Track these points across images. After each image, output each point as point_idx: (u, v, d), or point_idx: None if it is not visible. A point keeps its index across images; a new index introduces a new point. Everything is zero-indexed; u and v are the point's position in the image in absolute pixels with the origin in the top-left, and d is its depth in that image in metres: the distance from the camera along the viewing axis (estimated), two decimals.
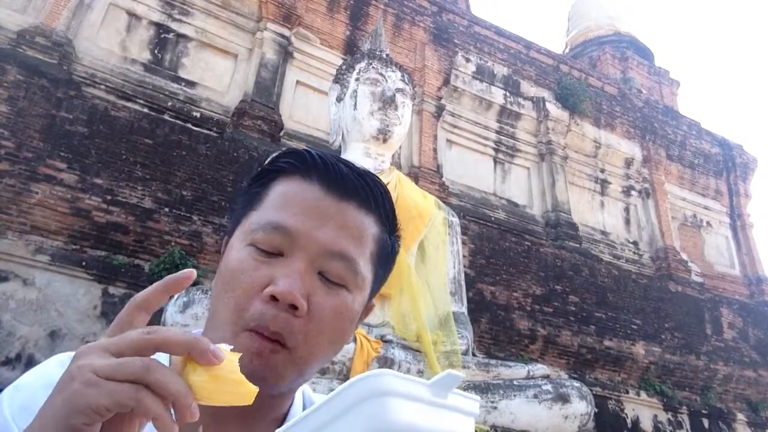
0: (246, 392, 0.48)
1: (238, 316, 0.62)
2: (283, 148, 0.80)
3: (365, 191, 0.68)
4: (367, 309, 0.74)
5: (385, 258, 0.72)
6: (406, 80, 3.98)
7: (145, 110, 6.06)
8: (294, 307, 0.60)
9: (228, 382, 0.47)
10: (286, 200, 0.66)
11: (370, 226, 0.68)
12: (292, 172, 0.68)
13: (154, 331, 0.46)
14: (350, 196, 0.67)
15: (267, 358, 0.60)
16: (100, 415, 0.43)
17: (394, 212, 0.73)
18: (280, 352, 0.61)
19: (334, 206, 0.66)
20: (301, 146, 4.89)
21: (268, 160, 0.73)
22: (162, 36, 6.93)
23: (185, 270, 0.50)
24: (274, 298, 0.60)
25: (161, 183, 5.22)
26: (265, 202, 0.68)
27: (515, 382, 3.26)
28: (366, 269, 0.68)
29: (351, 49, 7.69)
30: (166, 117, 6.17)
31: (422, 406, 0.48)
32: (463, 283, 3.92)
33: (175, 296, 3.13)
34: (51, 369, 0.61)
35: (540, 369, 3.48)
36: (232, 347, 0.50)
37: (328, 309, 0.63)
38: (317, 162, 0.67)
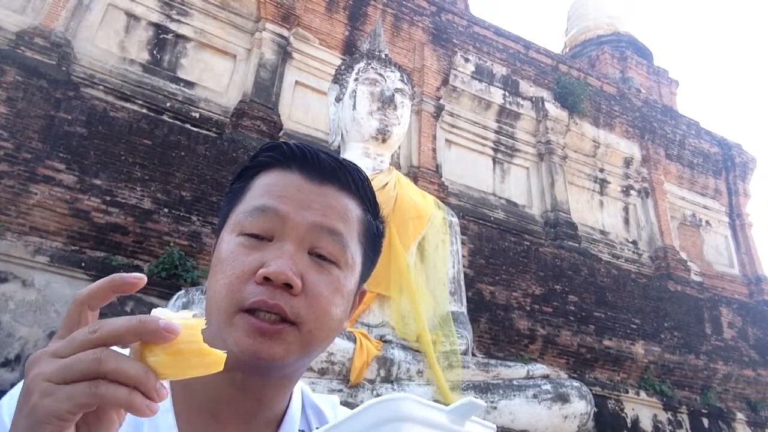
0: (213, 361, 0.46)
1: (231, 299, 0.61)
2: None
3: (345, 175, 0.70)
4: (361, 294, 0.75)
5: (372, 239, 0.73)
6: (405, 80, 3.98)
7: (144, 111, 6.06)
8: (288, 286, 0.61)
9: (191, 354, 0.45)
10: (268, 188, 0.68)
11: (353, 207, 0.70)
12: (273, 165, 0.70)
13: (100, 327, 0.44)
14: (330, 179, 0.69)
15: (271, 332, 0.60)
16: (66, 421, 0.42)
17: (374, 196, 0.74)
18: (284, 324, 0.61)
19: (316, 190, 0.67)
20: None
21: (251, 156, 0.74)
22: (161, 36, 6.93)
23: (136, 274, 0.47)
24: (267, 280, 0.60)
25: (160, 184, 5.22)
26: (248, 195, 0.69)
27: (515, 382, 3.26)
28: (354, 247, 0.69)
29: (350, 50, 7.69)
30: (164, 117, 6.16)
31: None
32: (462, 283, 3.91)
33: (175, 297, 3.12)
34: None
35: (539, 369, 3.48)
36: (194, 313, 0.48)
37: (323, 285, 0.64)
38: (295, 152, 0.69)
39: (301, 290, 0.62)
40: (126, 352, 0.45)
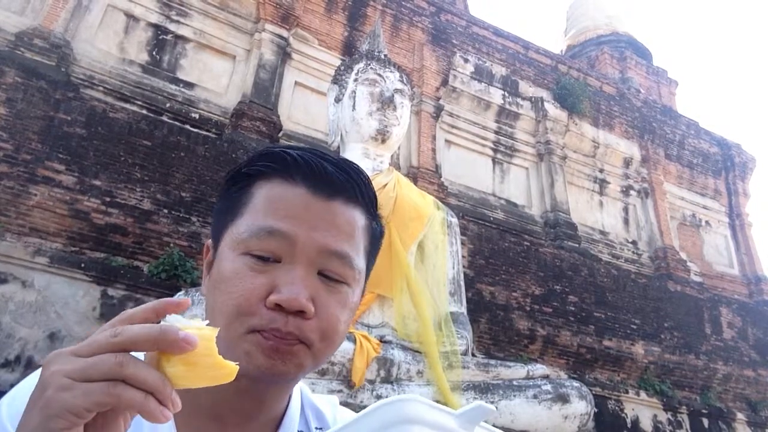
0: (226, 373, 0.47)
1: (243, 321, 0.61)
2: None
3: (351, 185, 0.68)
4: (362, 296, 0.76)
5: (376, 243, 0.74)
6: (405, 81, 3.98)
7: (144, 112, 6.06)
8: (301, 312, 0.61)
9: (205, 367, 0.46)
10: (273, 204, 0.66)
11: (359, 219, 0.69)
12: (273, 175, 0.67)
13: (121, 332, 0.45)
14: (338, 193, 0.67)
15: (285, 351, 0.61)
16: (79, 417, 0.42)
17: (375, 196, 0.74)
18: (297, 344, 0.62)
19: (324, 206, 0.66)
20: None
21: (245, 162, 0.71)
22: (160, 37, 6.93)
23: (183, 298, 0.50)
24: (279, 306, 0.61)
25: (160, 184, 5.22)
26: (249, 208, 0.67)
27: (515, 383, 3.26)
28: (361, 262, 0.69)
29: (349, 50, 7.69)
30: (164, 118, 6.16)
31: None
32: (462, 283, 3.91)
33: (175, 297, 3.13)
34: None
35: (539, 369, 3.48)
36: (207, 322, 0.49)
37: (332, 305, 0.65)
38: (299, 163, 0.67)
39: (314, 313, 0.63)
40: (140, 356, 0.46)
